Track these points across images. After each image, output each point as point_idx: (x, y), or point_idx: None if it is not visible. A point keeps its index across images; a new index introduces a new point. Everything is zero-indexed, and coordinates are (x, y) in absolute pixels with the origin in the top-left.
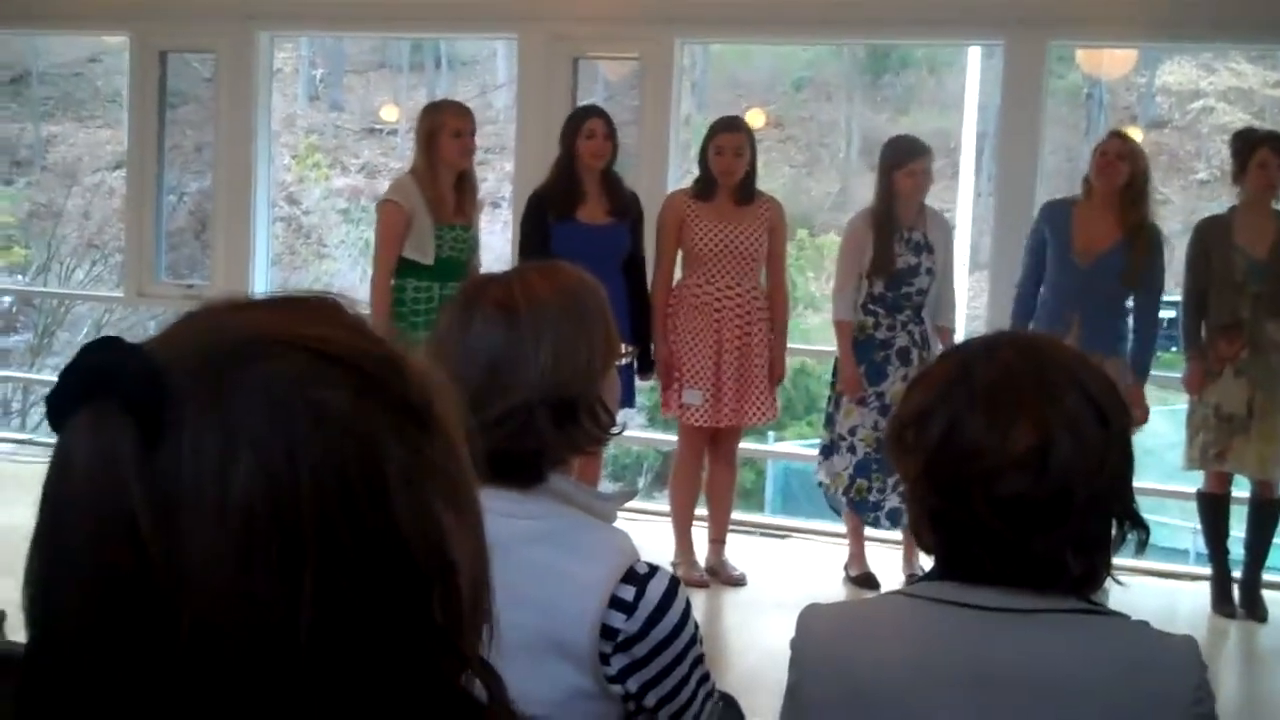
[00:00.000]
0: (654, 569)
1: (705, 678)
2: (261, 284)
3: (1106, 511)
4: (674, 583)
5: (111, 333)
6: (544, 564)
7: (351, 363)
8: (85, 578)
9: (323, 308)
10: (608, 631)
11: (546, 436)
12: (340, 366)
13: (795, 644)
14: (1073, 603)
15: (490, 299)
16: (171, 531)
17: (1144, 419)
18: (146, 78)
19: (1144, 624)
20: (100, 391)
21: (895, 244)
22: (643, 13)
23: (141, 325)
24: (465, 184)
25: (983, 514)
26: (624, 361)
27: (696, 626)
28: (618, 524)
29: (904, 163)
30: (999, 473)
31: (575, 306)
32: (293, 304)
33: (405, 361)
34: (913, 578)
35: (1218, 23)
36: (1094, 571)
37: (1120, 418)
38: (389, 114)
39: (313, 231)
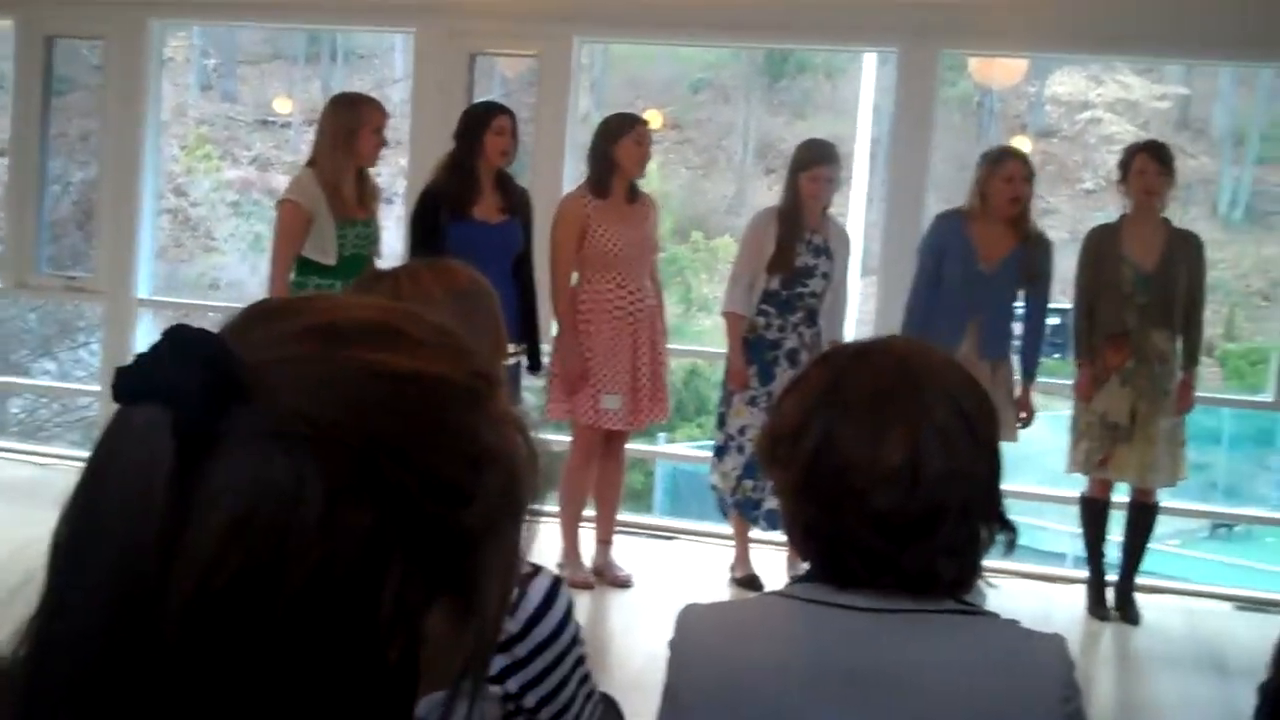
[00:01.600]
0: (536, 569)
1: (586, 678)
2: (145, 277)
3: (976, 518)
4: (556, 583)
5: None
6: None
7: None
8: (106, 563)
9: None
10: None
11: None
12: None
13: (673, 644)
14: (946, 604)
15: (379, 295)
16: (179, 544)
17: (1029, 421)
18: (31, 63)
19: (1014, 623)
20: (164, 398)
21: (797, 244)
22: (542, 10)
23: (22, 317)
24: (364, 178)
25: (855, 528)
26: (510, 361)
27: (578, 627)
28: None
29: (808, 166)
30: (871, 488)
31: (466, 305)
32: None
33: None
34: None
35: (1105, 36)
36: (965, 575)
37: (989, 429)
38: (282, 106)
39: (201, 224)
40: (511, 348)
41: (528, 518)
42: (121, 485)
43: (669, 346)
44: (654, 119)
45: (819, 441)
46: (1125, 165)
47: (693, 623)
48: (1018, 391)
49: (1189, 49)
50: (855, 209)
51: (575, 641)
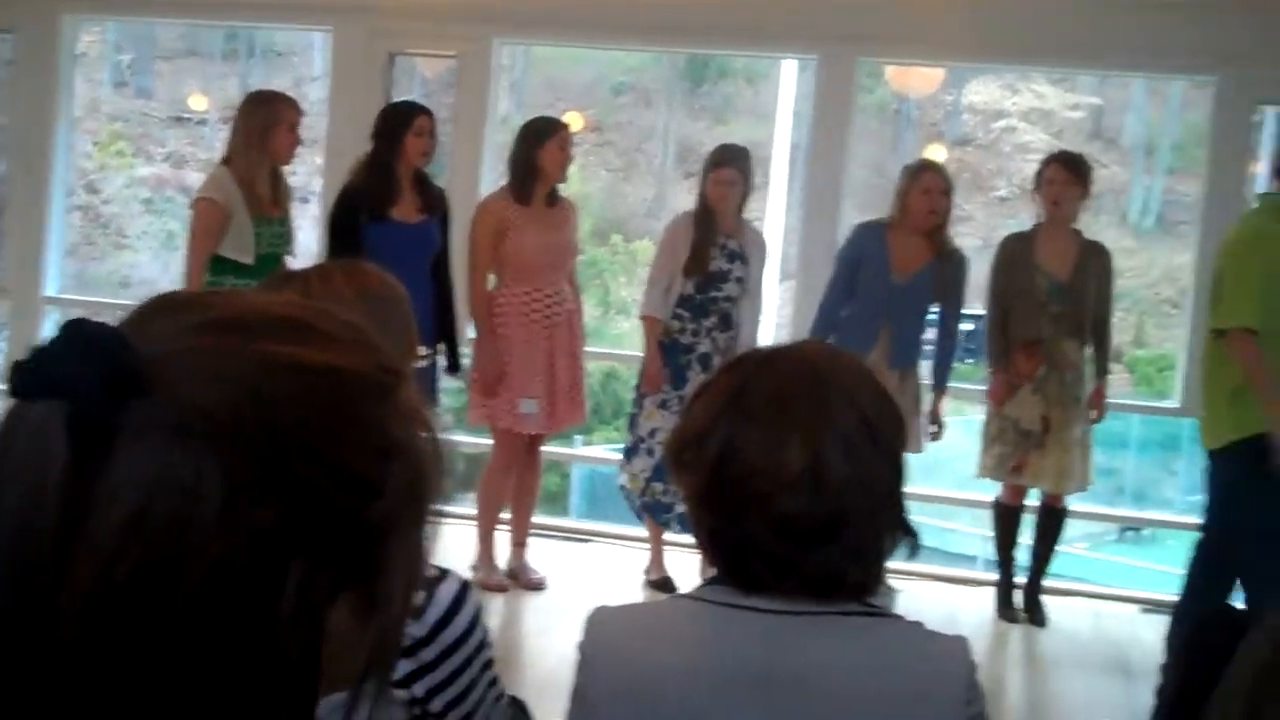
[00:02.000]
0: (444, 573)
1: (494, 682)
2: (54, 275)
3: (879, 523)
4: (464, 586)
5: None
6: None
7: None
8: (1, 558)
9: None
10: None
11: None
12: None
13: (582, 646)
14: (851, 606)
15: (289, 295)
16: (79, 538)
17: (940, 434)
18: None
19: (918, 625)
20: (61, 392)
21: (711, 248)
22: (461, 11)
23: None
24: (278, 176)
25: (759, 532)
26: (422, 364)
27: (487, 631)
28: None
29: (712, 169)
30: (774, 493)
31: (377, 308)
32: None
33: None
34: None
35: (1020, 46)
36: (870, 578)
37: (893, 435)
38: (198, 103)
39: (112, 221)
40: (424, 350)
41: (433, 515)
42: (16, 481)
43: (587, 350)
44: (575, 121)
45: (723, 446)
46: (1039, 174)
47: (601, 625)
48: (928, 403)
49: (1101, 60)
50: (774, 214)
51: (484, 645)
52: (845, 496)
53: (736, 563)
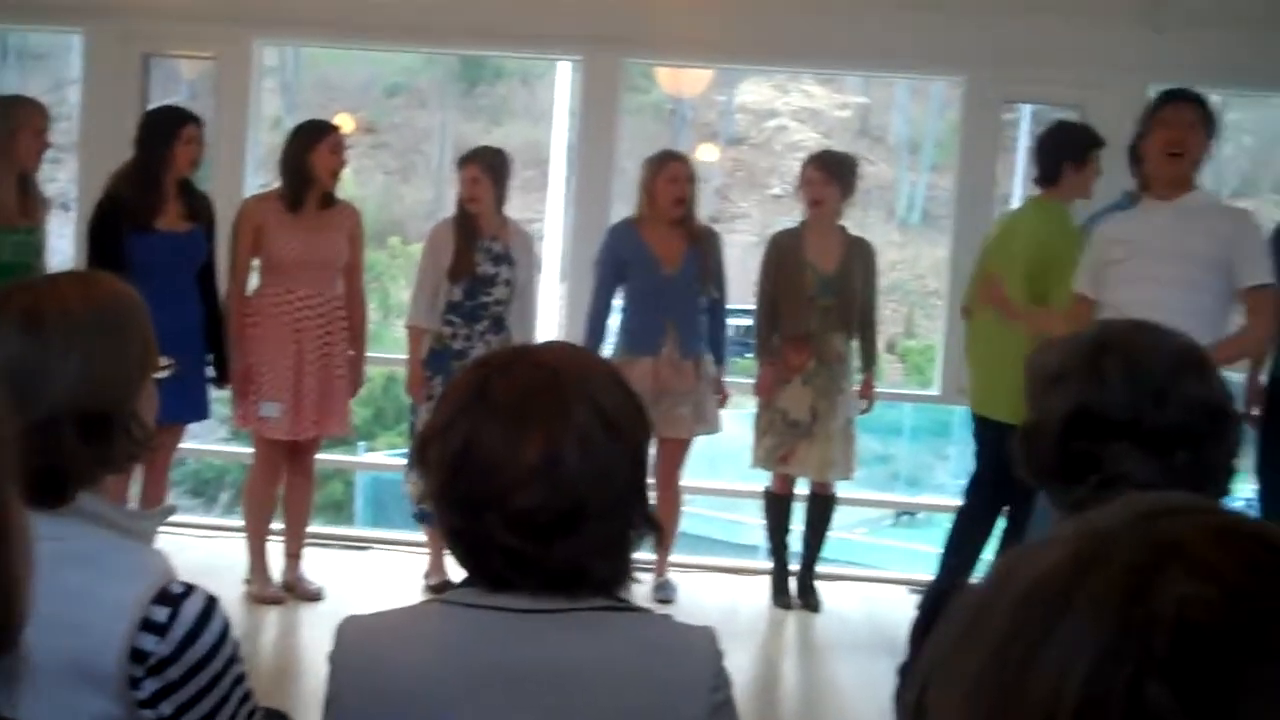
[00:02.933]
0: (189, 589)
1: (247, 697)
2: None
3: (623, 516)
4: (211, 602)
5: None
6: (74, 588)
7: None
8: None
9: None
10: (138, 655)
11: (75, 454)
12: None
13: (332, 656)
14: (599, 601)
15: (15, 307)
16: None
17: (725, 402)
18: None
19: (666, 618)
20: None
21: (475, 251)
22: (219, 12)
23: None
24: (28, 184)
25: (499, 530)
26: (165, 374)
27: (236, 645)
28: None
29: (458, 171)
30: (512, 489)
31: (109, 318)
32: None
33: None
34: None
35: (786, 49)
36: (617, 572)
37: (633, 431)
38: None
39: None
40: (165, 360)
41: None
42: None
43: (367, 355)
44: (346, 123)
45: (462, 444)
46: (800, 174)
47: (350, 633)
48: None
49: (862, 61)
50: (553, 214)
51: (233, 660)
52: (583, 490)
53: (480, 561)
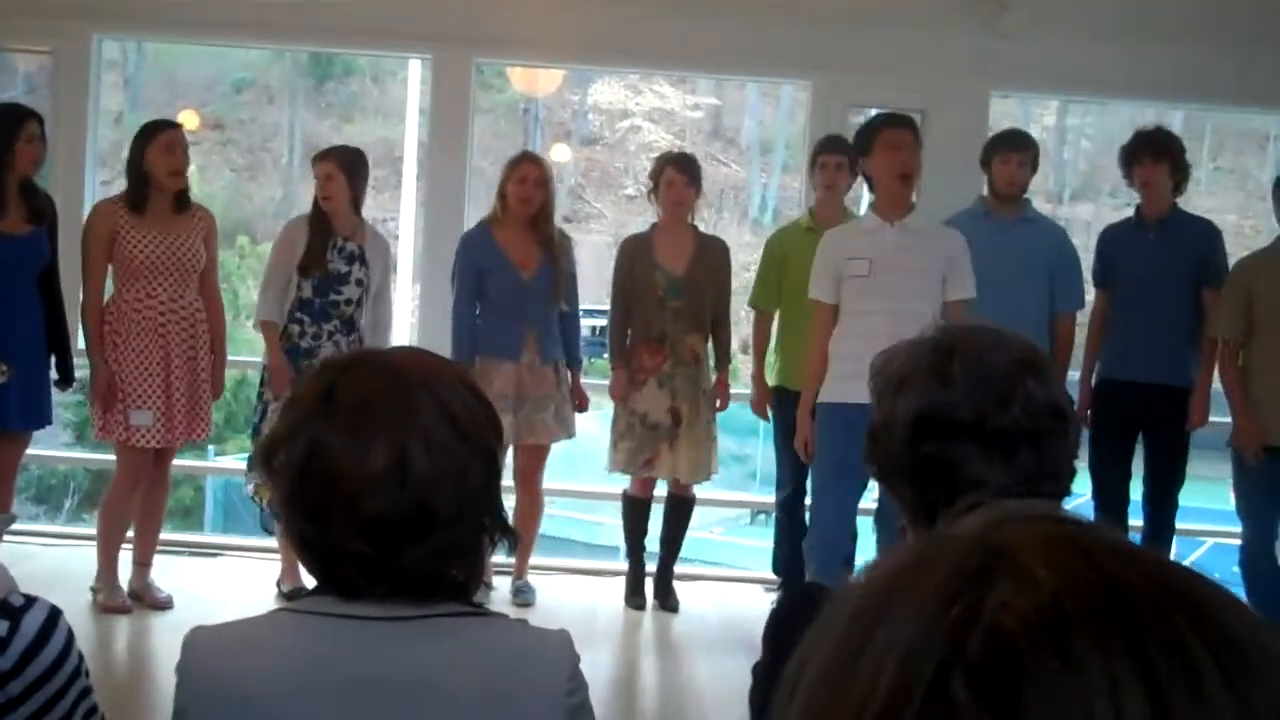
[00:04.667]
0: (30, 600)
1: (93, 711)
2: None
3: (475, 521)
4: (54, 614)
5: None
6: None
7: None
8: None
9: None
10: None
11: None
12: None
13: (180, 668)
14: (453, 607)
15: None
16: None
17: (584, 406)
18: None
19: (520, 622)
20: None
21: (328, 248)
22: (54, 5)
23: None
24: None
25: (346, 535)
26: (1, 380)
27: (81, 658)
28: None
29: (313, 165)
30: (360, 494)
31: None
32: None
33: None
34: None
35: (637, 50)
36: (470, 577)
37: (483, 434)
38: None
39: None
40: (3, 366)
41: None
42: None
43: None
44: (189, 120)
45: (307, 451)
46: (656, 175)
47: (198, 644)
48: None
49: (716, 64)
50: (406, 213)
51: (77, 674)
52: (432, 494)
53: (329, 568)
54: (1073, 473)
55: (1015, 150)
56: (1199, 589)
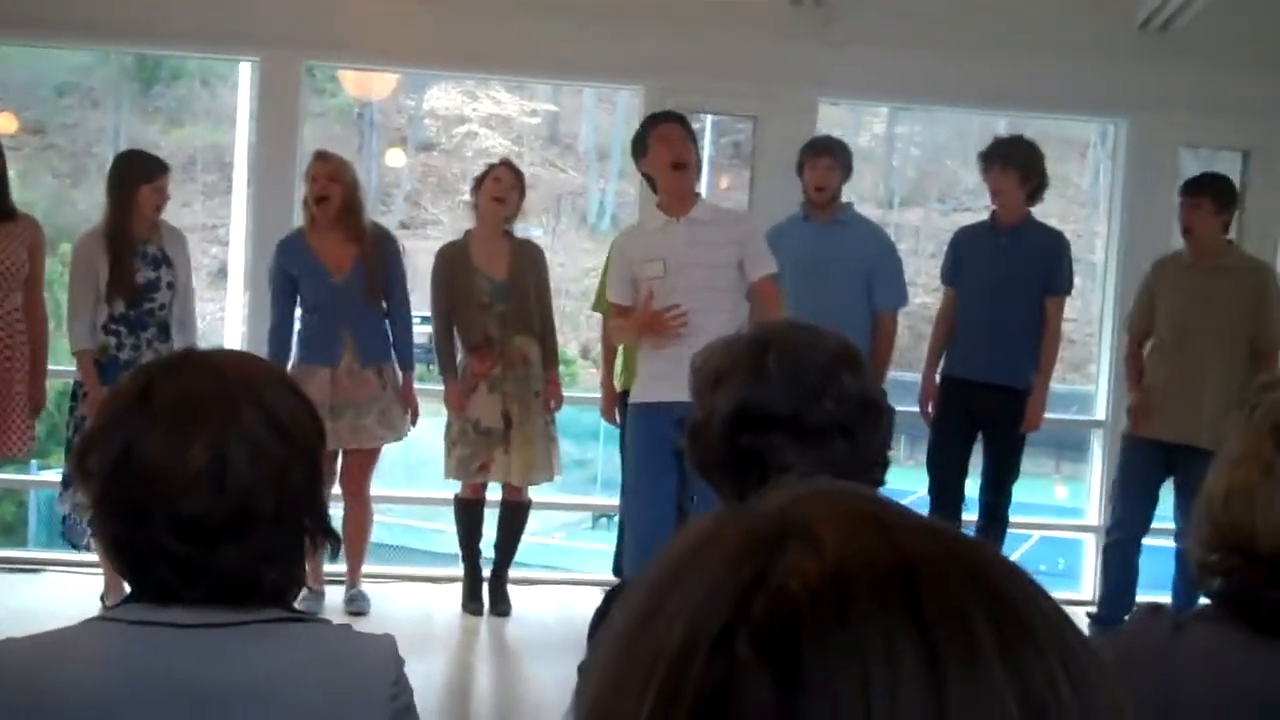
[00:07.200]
0: None
1: None
2: None
3: (295, 522)
4: None
5: None
6: None
7: None
8: None
9: None
10: None
11: None
12: None
13: None
14: (273, 612)
15: None
16: None
17: (416, 416)
18: None
19: (343, 627)
20: None
21: (133, 260)
22: None
23: None
24: None
25: (162, 536)
26: None
27: None
28: None
29: (150, 179)
30: (177, 495)
31: None
32: None
33: None
34: None
35: (471, 55)
36: (289, 581)
37: (305, 437)
38: None
39: None
40: None
41: None
42: None
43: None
44: (7, 123)
45: (122, 448)
46: (479, 180)
47: (5, 657)
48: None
49: (550, 69)
50: (237, 219)
51: None
52: (252, 493)
53: (143, 571)
54: (886, 462)
55: (823, 155)
56: (985, 558)
